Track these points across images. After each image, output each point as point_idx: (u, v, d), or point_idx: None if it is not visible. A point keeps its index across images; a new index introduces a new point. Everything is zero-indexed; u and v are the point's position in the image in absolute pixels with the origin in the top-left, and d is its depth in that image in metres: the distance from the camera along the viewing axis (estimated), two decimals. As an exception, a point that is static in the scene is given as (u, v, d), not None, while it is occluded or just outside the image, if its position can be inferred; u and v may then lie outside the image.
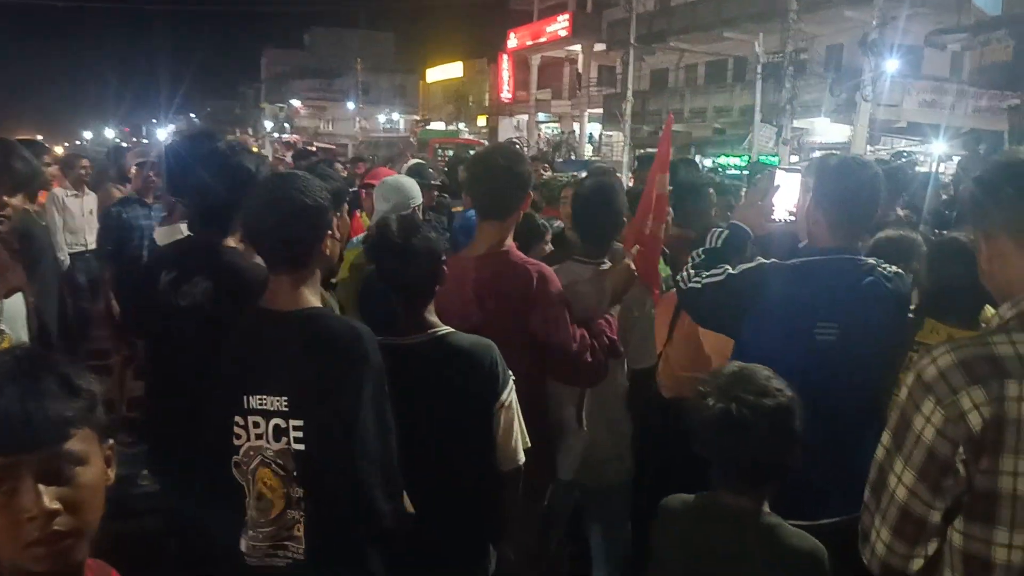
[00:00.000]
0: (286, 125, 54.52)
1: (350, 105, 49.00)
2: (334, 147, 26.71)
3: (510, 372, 2.21)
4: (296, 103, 55.88)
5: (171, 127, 37.04)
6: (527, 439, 2.26)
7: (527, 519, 2.52)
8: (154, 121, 43.09)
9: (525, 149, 20.64)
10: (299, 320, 1.92)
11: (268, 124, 55.01)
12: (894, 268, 2.38)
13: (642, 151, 20.45)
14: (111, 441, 1.15)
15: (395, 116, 50.02)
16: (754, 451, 1.73)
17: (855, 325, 2.25)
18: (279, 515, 1.88)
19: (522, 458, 2.22)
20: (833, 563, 1.75)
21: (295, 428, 1.86)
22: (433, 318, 2.21)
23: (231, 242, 2.48)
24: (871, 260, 2.37)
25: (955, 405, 1.36)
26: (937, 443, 1.38)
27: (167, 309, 2.36)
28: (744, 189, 4.85)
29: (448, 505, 2.12)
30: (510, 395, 2.19)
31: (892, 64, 18.58)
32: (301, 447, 1.86)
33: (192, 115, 60.16)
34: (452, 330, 2.20)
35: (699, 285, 2.47)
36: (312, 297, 1.97)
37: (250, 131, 51.75)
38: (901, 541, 1.46)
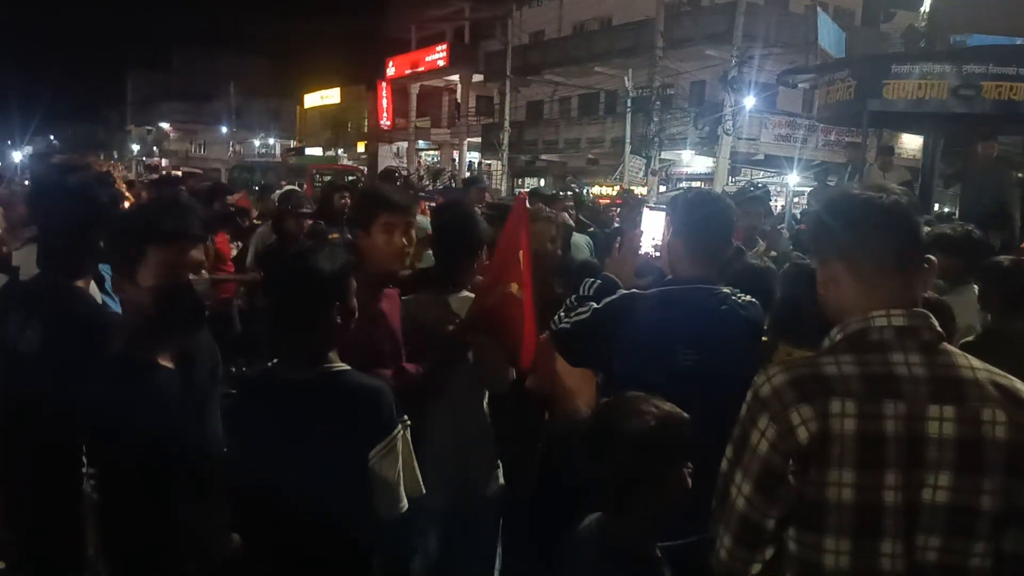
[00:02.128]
0: (155, 148, 52.23)
1: (223, 129, 47.54)
2: (201, 171, 25.77)
3: (404, 417, 2.13)
4: (165, 126, 53.72)
5: (28, 149, 34.75)
6: (419, 485, 2.17)
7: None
8: (8, 143, 40.20)
9: (404, 176, 20.58)
10: (123, 364, 1.94)
11: (135, 147, 52.55)
12: (748, 297, 2.54)
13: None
14: None
15: (271, 141, 48.84)
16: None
17: (712, 350, 2.37)
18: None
19: (404, 505, 2.12)
20: None
21: (90, 475, 1.89)
22: (332, 353, 2.10)
23: (81, 283, 2.33)
24: (726, 289, 2.52)
25: (786, 420, 1.47)
26: (770, 455, 1.49)
27: (11, 353, 2.22)
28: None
29: (321, 550, 2.04)
30: (392, 441, 2.07)
31: (750, 100, 19.77)
32: (95, 495, 1.88)
33: (51, 137, 56.62)
34: (347, 368, 2.10)
35: (568, 325, 2.58)
36: (157, 349, 1.97)
37: (115, 154, 49.23)
38: (741, 547, 1.57)
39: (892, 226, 1.54)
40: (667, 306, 2.46)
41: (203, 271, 2.01)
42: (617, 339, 2.47)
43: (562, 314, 2.65)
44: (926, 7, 9.92)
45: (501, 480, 3.06)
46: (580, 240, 5.54)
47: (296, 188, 7.37)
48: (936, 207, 10.51)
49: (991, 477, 1.44)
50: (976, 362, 1.52)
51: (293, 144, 42.85)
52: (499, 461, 3.06)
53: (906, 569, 1.45)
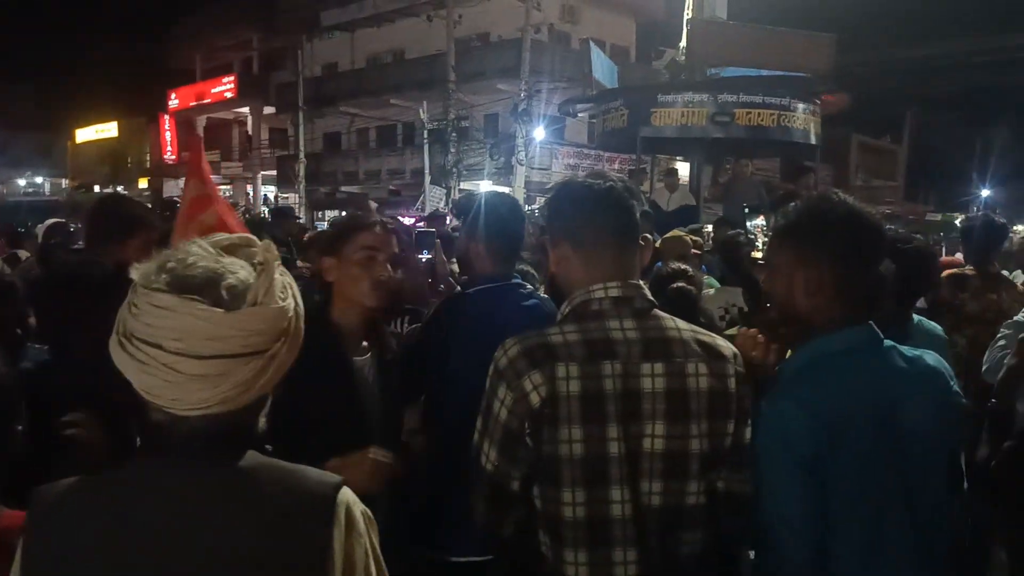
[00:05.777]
0: None
1: (-20, 168, 42.85)
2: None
3: None
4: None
5: None
6: None
7: None
8: None
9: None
10: None
11: None
12: (543, 293, 2.72)
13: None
14: None
15: (38, 179, 44.70)
16: None
17: None
18: None
19: None
20: None
21: None
22: None
23: None
24: (529, 286, 2.66)
25: (520, 387, 1.59)
26: (509, 420, 1.61)
27: None
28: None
29: None
30: None
31: (539, 132, 20.72)
32: None
33: None
34: None
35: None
36: None
37: None
38: (493, 509, 1.68)
39: (608, 208, 1.71)
40: (480, 304, 2.53)
41: None
42: (445, 341, 2.52)
43: None
44: (684, 42, 10.94)
45: None
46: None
47: (62, 220, 6.86)
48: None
49: (697, 423, 1.63)
50: (682, 324, 1.72)
51: (65, 182, 39.43)
52: None
53: (634, 513, 1.60)
